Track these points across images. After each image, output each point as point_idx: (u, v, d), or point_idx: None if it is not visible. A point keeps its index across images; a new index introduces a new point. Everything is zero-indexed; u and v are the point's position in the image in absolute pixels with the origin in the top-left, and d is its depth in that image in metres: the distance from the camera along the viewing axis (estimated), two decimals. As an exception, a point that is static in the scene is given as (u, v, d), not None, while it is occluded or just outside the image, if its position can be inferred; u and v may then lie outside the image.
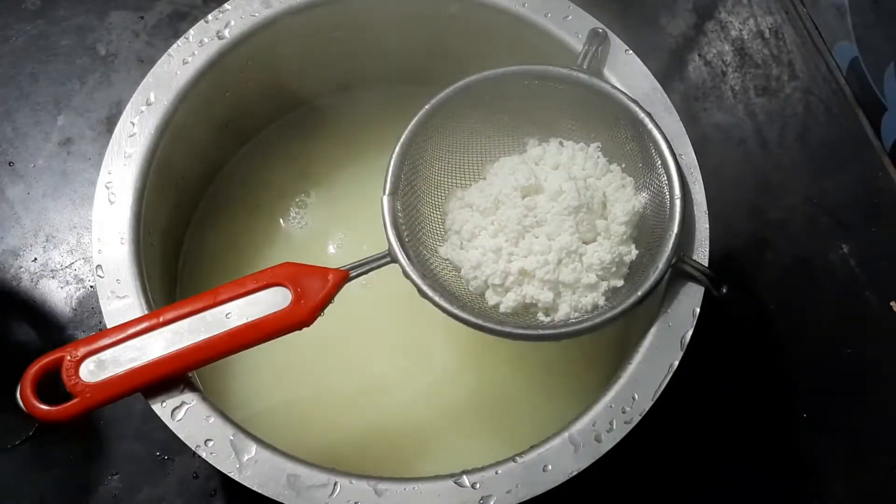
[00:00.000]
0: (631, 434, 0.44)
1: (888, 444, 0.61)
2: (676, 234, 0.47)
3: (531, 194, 0.50)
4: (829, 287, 0.66)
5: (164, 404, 0.44)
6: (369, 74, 0.64)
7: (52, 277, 0.64)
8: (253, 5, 0.54)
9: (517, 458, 0.44)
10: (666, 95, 0.52)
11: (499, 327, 0.46)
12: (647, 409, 0.45)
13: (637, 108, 0.49)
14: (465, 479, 0.43)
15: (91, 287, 0.63)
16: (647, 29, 0.74)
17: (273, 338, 0.45)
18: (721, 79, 0.73)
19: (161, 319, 0.44)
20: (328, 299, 0.46)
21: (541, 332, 0.47)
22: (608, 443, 0.44)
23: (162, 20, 0.73)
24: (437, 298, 0.46)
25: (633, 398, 0.45)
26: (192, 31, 0.53)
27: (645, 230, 0.50)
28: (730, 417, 0.61)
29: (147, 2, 0.73)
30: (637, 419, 0.45)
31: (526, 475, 0.43)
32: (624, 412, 0.45)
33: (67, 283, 0.64)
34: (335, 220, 0.63)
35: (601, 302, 0.48)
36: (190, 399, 0.44)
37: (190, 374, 0.46)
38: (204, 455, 0.43)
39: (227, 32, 0.53)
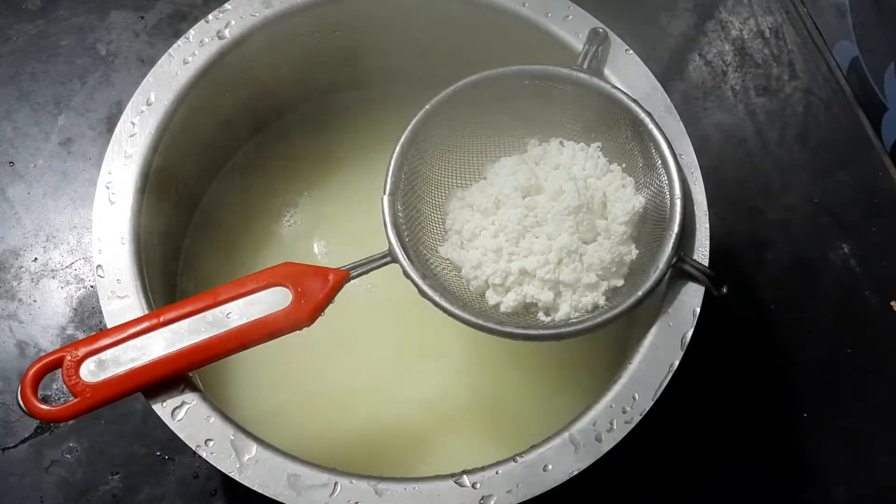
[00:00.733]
0: (631, 434, 0.44)
1: (888, 444, 0.61)
2: (677, 234, 0.47)
3: (531, 194, 0.50)
4: (829, 287, 0.66)
5: (164, 404, 0.44)
6: (369, 74, 0.64)
7: (53, 277, 0.64)
8: (253, 5, 0.54)
9: (517, 457, 0.44)
10: (666, 95, 0.52)
11: (499, 327, 0.46)
12: (648, 408, 0.45)
13: (637, 108, 0.49)
14: (466, 479, 0.43)
15: (91, 287, 0.63)
16: (648, 29, 0.74)
17: (273, 338, 0.45)
18: (721, 79, 0.73)
19: (161, 319, 0.44)
20: (328, 299, 0.46)
21: (541, 332, 0.47)
22: (609, 442, 0.44)
23: (162, 20, 0.73)
24: (437, 298, 0.46)
25: (634, 398, 0.45)
26: (192, 31, 0.53)
27: (645, 230, 0.50)
28: (730, 417, 0.61)
29: (147, 2, 0.73)
30: (637, 419, 0.45)
31: (526, 475, 0.43)
32: (624, 412, 0.45)
33: (68, 282, 0.64)
34: (335, 220, 0.63)
35: (601, 302, 0.48)
36: (190, 399, 0.44)
37: (190, 374, 0.46)
38: (204, 455, 0.43)
39: (227, 32, 0.53)
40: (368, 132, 0.64)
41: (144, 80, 0.52)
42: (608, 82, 0.50)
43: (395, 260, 0.47)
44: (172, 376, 0.44)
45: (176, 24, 0.72)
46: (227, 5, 0.54)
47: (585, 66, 0.51)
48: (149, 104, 0.51)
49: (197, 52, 0.53)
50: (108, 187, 0.49)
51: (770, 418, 0.62)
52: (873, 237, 0.67)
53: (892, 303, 0.65)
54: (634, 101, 0.49)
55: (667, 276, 0.47)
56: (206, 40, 0.53)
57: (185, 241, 0.61)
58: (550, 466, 0.43)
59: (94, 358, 0.43)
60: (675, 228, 0.47)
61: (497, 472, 0.43)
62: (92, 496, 0.58)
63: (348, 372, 0.59)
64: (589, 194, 0.49)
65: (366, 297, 0.59)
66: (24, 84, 0.70)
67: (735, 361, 0.63)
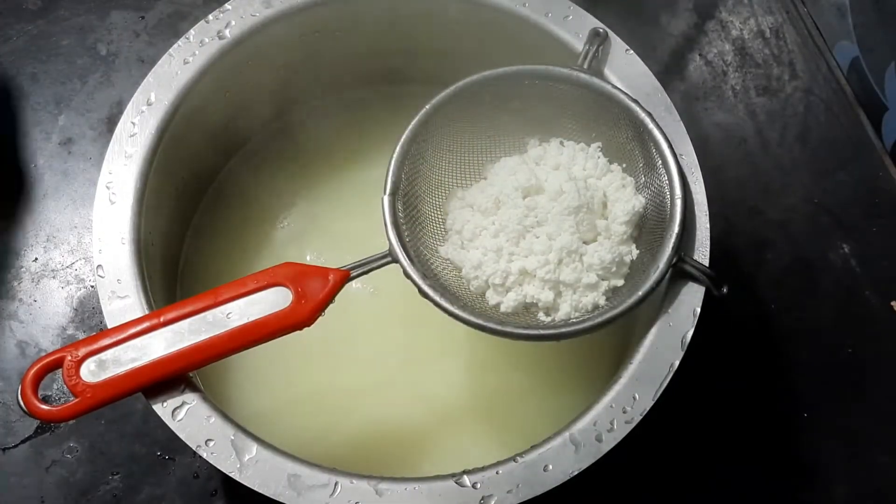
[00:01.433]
0: (631, 434, 0.44)
1: (888, 444, 0.61)
2: (677, 234, 0.47)
3: (532, 194, 0.50)
4: (829, 287, 0.66)
5: (164, 404, 0.44)
6: (370, 74, 0.64)
7: (53, 277, 0.64)
8: (253, 5, 0.54)
9: (518, 457, 0.44)
10: (666, 95, 0.52)
11: (500, 327, 0.46)
12: (648, 408, 0.45)
13: (638, 108, 0.49)
14: (466, 479, 0.43)
15: (92, 287, 0.63)
16: (648, 29, 0.74)
17: (274, 338, 0.45)
18: (722, 78, 0.73)
19: (162, 319, 0.44)
20: (329, 299, 0.46)
21: (541, 332, 0.47)
22: (609, 442, 0.44)
23: (163, 20, 0.73)
24: (437, 298, 0.46)
25: (634, 398, 0.45)
26: (192, 31, 0.53)
27: (645, 230, 0.50)
28: (730, 417, 0.61)
29: (148, 2, 0.73)
30: (638, 419, 0.45)
31: (527, 475, 0.43)
32: (625, 412, 0.45)
33: (68, 283, 0.64)
34: (335, 220, 0.63)
35: (602, 302, 0.48)
36: (191, 399, 0.44)
37: (191, 374, 0.46)
38: (204, 455, 0.43)
39: (227, 32, 0.53)
40: (368, 132, 0.64)
41: (145, 80, 0.52)
42: (608, 82, 0.50)
43: (395, 260, 0.47)
44: (173, 376, 0.44)
45: (176, 24, 0.72)
46: (227, 5, 0.54)
47: (586, 66, 0.51)
48: (149, 104, 0.51)
49: (197, 52, 0.53)
50: (108, 187, 0.49)
51: (770, 418, 0.62)
52: (873, 237, 0.67)
53: (893, 303, 0.65)
54: (635, 101, 0.49)
55: (667, 276, 0.47)
56: (207, 40, 0.53)
57: (185, 241, 0.61)
58: (551, 466, 0.43)
59: (95, 358, 0.43)
60: (676, 228, 0.47)
61: (497, 472, 0.43)
62: (92, 496, 0.58)
63: (348, 372, 0.59)
64: (589, 194, 0.49)
65: (366, 297, 0.59)
66: (24, 84, 0.70)
67: (735, 361, 0.63)
